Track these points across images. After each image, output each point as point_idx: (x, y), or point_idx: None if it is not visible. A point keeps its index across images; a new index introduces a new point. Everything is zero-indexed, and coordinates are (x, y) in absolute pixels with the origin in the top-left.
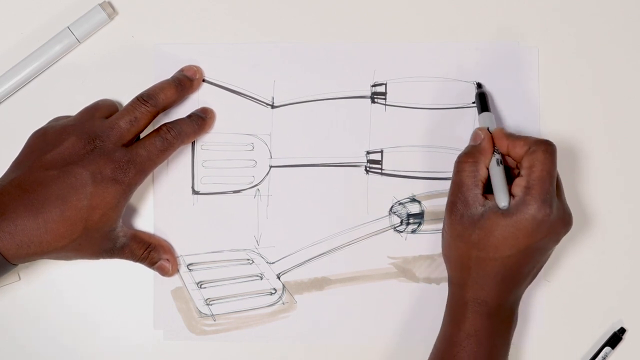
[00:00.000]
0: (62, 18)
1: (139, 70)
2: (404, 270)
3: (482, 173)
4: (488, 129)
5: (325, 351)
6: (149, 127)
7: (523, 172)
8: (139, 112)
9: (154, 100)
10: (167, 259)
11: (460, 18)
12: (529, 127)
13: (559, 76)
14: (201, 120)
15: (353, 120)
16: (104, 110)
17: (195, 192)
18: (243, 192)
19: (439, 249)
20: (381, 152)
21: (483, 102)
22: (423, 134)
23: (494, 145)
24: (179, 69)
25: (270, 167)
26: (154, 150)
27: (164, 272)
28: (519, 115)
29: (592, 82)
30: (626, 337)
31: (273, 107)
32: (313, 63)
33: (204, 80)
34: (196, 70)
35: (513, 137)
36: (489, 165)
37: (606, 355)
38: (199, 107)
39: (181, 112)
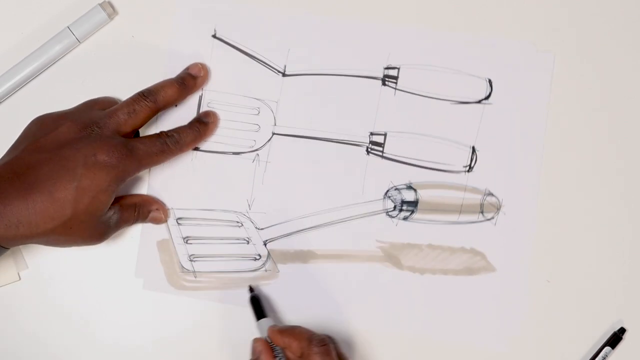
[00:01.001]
0: (62, 18)
1: (139, 70)
2: (390, 255)
3: None
4: (266, 338)
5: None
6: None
7: None
8: (138, 106)
9: (154, 97)
10: (157, 209)
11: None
12: (533, 131)
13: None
14: (203, 125)
15: (361, 99)
16: (103, 104)
17: (195, 148)
18: (242, 154)
19: (428, 239)
20: (385, 135)
21: (258, 308)
22: (429, 124)
23: (273, 351)
24: (185, 65)
25: (273, 134)
26: (153, 149)
27: (157, 221)
28: (524, 120)
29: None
30: (626, 337)
31: (284, 75)
32: (330, 37)
33: (219, 39)
34: (201, 67)
35: (287, 334)
36: None
37: (606, 355)
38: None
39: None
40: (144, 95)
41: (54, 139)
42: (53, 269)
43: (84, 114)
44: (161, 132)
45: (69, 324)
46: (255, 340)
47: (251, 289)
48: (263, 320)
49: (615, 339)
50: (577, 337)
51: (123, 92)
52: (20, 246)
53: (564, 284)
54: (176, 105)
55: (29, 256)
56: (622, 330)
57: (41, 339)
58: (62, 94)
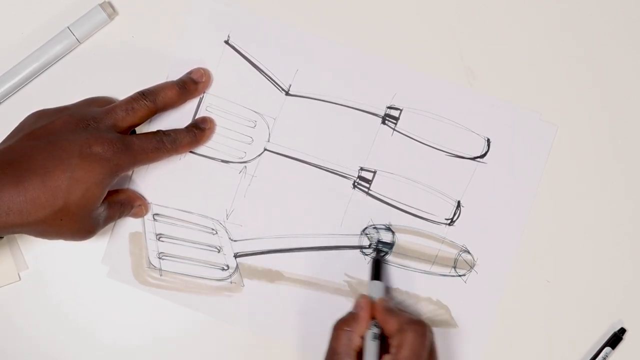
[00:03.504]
0: (62, 18)
1: (139, 71)
2: (356, 292)
3: (356, 342)
4: (373, 298)
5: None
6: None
7: (392, 350)
8: (137, 104)
9: (153, 97)
10: (139, 205)
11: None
12: (521, 197)
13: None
14: (199, 131)
15: (358, 133)
16: (102, 103)
17: None
18: (231, 164)
19: (396, 284)
20: (374, 172)
21: (377, 269)
22: (420, 170)
23: (372, 316)
24: (189, 68)
25: (265, 149)
26: (149, 145)
27: (137, 216)
28: (515, 185)
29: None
30: (626, 337)
31: (288, 94)
32: (340, 65)
33: (231, 45)
34: (204, 72)
35: (390, 313)
36: (364, 334)
37: (606, 356)
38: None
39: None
40: (143, 94)
41: (50, 129)
42: (53, 269)
43: (82, 110)
44: (158, 131)
45: (68, 324)
46: (362, 296)
47: (378, 251)
48: (375, 282)
49: (615, 339)
50: (577, 337)
51: (123, 92)
52: (21, 248)
53: (564, 284)
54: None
55: (29, 256)
56: (622, 331)
57: (41, 339)
58: (62, 94)
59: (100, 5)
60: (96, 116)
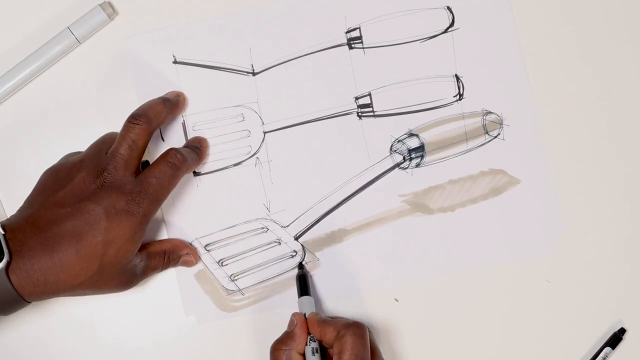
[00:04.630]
0: (62, 18)
1: (139, 71)
2: (417, 205)
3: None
4: (305, 314)
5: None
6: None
7: (335, 358)
8: (133, 134)
9: (145, 117)
10: (187, 253)
11: None
12: (506, 39)
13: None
14: (198, 150)
15: (335, 70)
16: (110, 143)
17: (196, 174)
18: (243, 163)
19: (446, 178)
20: (369, 94)
21: (303, 285)
22: (406, 69)
23: (308, 331)
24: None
25: (264, 133)
26: (164, 176)
27: (188, 265)
28: (494, 31)
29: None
30: (626, 337)
31: (254, 74)
32: (284, 23)
33: (181, 63)
34: (178, 93)
35: (324, 323)
36: (303, 351)
37: (606, 356)
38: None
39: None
40: (135, 119)
41: (71, 192)
42: None
43: (94, 161)
44: (169, 150)
45: (68, 324)
46: (294, 314)
47: (300, 266)
48: (304, 297)
49: (615, 339)
50: (577, 337)
51: (122, 92)
52: None
53: (564, 284)
54: (163, 140)
55: None
56: (622, 331)
57: (41, 339)
58: (62, 94)
59: (100, 5)
60: (107, 167)
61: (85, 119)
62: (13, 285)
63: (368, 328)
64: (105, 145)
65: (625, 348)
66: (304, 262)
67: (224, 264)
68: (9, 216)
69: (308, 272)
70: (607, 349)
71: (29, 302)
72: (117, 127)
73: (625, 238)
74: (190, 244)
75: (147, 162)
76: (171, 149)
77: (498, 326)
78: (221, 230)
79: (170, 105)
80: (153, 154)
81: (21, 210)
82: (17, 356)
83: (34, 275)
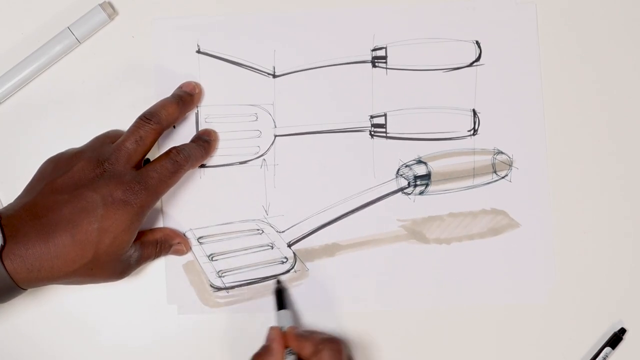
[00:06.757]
0: (62, 18)
1: (139, 71)
2: (414, 232)
3: None
4: (283, 328)
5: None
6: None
7: None
8: (143, 131)
9: (157, 118)
10: (179, 242)
11: None
12: (529, 83)
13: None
14: (206, 143)
15: (355, 85)
16: (113, 138)
17: (201, 165)
18: (249, 162)
19: (448, 210)
20: (385, 115)
21: (280, 299)
22: (425, 96)
23: (286, 345)
24: (179, 78)
25: (275, 136)
26: (165, 172)
27: (179, 254)
28: (518, 73)
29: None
30: (626, 337)
31: (275, 76)
32: (312, 31)
33: (204, 54)
34: (195, 85)
35: (302, 337)
36: None
37: (606, 356)
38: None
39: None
40: (146, 118)
41: (70, 180)
42: None
43: (95, 151)
44: (171, 149)
45: (68, 325)
46: (272, 328)
47: (278, 282)
48: (282, 311)
49: (615, 339)
50: (577, 337)
51: (122, 92)
52: None
53: (564, 284)
54: (174, 127)
55: None
56: (622, 331)
57: (41, 339)
58: (62, 94)
59: (100, 5)
60: (110, 157)
61: (85, 119)
62: (7, 271)
63: (345, 343)
64: (108, 139)
65: (625, 348)
66: (293, 270)
67: (214, 258)
68: None
69: (285, 288)
70: (607, 349)
71: (24, 290)
72: (117, 127)
73: (626, 238)
74: (183, 234)
75: (148, 160)
76: (173, 148)
77: (498, 326)
78: (217, 225)
79: (182, 106)
80: (162, 141)
81: (19, 197)
82: (18, 357)
83: (29, 260)
